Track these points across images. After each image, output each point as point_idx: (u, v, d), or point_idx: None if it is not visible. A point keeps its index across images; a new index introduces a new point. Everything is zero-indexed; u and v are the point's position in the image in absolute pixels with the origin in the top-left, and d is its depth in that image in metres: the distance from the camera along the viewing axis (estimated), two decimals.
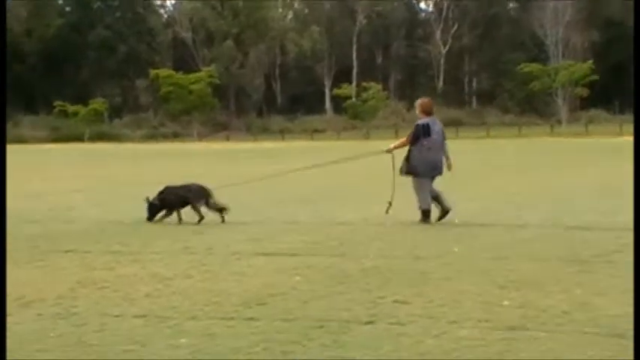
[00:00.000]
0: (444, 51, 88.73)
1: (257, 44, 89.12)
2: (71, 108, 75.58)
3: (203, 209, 13.72)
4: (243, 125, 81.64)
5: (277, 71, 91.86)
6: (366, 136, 65.59)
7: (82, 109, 75.40)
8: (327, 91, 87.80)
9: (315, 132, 72.61)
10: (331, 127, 75.69)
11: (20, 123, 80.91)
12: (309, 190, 19.81)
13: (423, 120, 13.18)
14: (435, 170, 13.21)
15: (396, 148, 13.63)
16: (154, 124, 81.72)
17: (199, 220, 13.54)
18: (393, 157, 13.85)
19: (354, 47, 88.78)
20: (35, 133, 76.41)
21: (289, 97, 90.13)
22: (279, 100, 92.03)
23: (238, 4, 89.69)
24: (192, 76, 74.45)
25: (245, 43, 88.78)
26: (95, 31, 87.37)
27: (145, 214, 13.93)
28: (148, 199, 13.86)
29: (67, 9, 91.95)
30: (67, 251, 10.96)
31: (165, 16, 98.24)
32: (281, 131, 74.97)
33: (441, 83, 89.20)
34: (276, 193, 18.54)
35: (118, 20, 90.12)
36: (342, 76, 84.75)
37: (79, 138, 72.78)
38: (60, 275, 9.28)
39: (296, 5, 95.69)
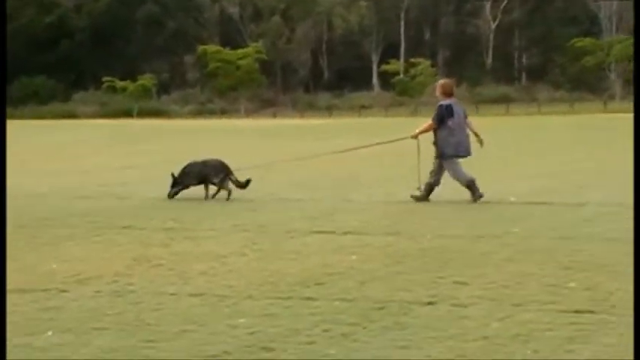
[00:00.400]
0: (493, 26, 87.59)
1: (304, 19, 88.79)
2: (120, 83, 76.04)
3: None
4: (289, 101, 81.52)
5: (324, 47, 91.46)
6: (414, 113, 65.09)
7: (130, 85, 75.83)
8: (374, 67, 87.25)
9: (362, 108, 72.25)
10: (378, 104, 75.25)
11: (70, 98, 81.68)
12: (360, 169, 19.63)
13: (445, 101, 13.02)
14: (461, 150, 12.98)
15: (421, 133, 13.35)
16: (202, 100, 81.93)
17: (215, 194, 13.64)
18: (418, 142, 13.61)
19: (402, 23, 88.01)
20: (85, 109, 77.07)
21: (336, 73, 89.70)
22: (325, 76, 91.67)
23: None
24: (240, 51, 74.39)
25: (292, 19, 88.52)
26: (144, 7, 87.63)
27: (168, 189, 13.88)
28: (173, 174, 13.83)
29: None
30: (122, 227, 10.94)
31: None
32: (328, 108, 74.72)
33: (490, 59, 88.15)
34: (328, 171, 18.36)
35: None
36: (389, 52, 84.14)
37: (127, 113, 73.24)
38: (116, 252, 9.25)
39: None
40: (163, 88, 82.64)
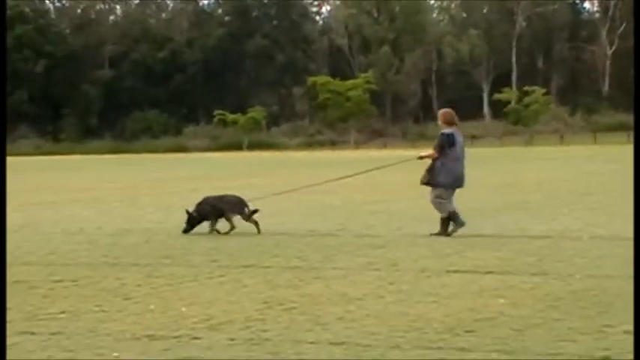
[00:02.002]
0: (609, 52, 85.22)
1: (413, 49, 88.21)
2: (230, 117, 76.76)
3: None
4: (399, 132, 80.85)
5: (433, 76, 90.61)
6: (529, 142, 63.56)
7: (240, 118, 76.47)
8: (485, 96, 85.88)
9: (473, 138, 71.02)
10: (490, 133, 73.88)
11: (181, 132, 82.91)
12: (486, 200, 18.84)
13: (447, 130, 12.91)
14: (457, 182, 12.94)
15: (427, 157, 13.15)
16: (311, 131, 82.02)
17: (229, 230, 13.49)
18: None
19: (514, 51, 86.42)
20: (196, 142, 78.06)
21: (446, 102, 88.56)
22: (435, 105, 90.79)
23: (395, 9, 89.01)
24: (350, 82, 74.18)
25: (401, 49, 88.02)
26: (253, 40, 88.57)
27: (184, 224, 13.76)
28: (187, 211, 13.74)
29: (227, 18, 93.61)
30: (246, 266, 10.46)
31: (321, 23, 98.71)
32: None
33: (606, 86, 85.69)
34: (457, 203, 17.63)
35: (275, 28, 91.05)
36: (500, 80, 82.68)
37: (238, 146, 73.81)
38: (244, 294, 8.74)
39: (453, 8, 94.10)
40: (273, 121, 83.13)
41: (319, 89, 74.84)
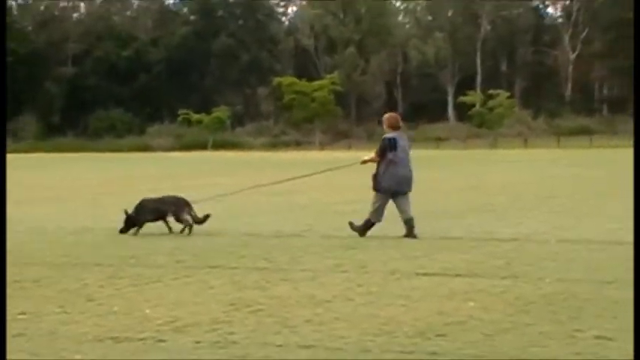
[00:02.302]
0: (572, 57, 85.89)
1: (379, 51, 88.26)
2: (195, 116, 76.28)
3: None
4: (364, 133, 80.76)
5: (398, 78, 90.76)
6: (493, 145, 63.81)
7: (205, 118, 76.02)
8: (449, 98, 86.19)
9: (438, 140, 71.25)
10: (455, 136, 74.07)
11: (146, 131, 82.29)
12: (452, 203, 18.82)
13: (390, 134, 12.93)
14: (401, 185, 12.87)
15: (369, 160, 13.25)
16: (276, 132, 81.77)
17: (188, 229, 13.49)
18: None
19: (478, 54, 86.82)
20: (160, 141, 77.49)
21: (411, 105, 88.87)
22: (400, 108, 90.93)
23: (361, 11, 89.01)
24: (316, 83, 74.01)
25: (367, 50, 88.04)
26: (218, 40, 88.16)
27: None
28: (126, 211, 13.54)
29: (192, 17, 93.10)
30: (212, 267, 10.30)
31: (287, 23, 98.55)
32: None
33: (569, 91, 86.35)
34: (423, 205, 17.55)
35: (241, 28, 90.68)
36: (465, 83, 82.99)
37: (202, 146, 73.37)
38: (210, 295, 8.59)
39: (418, 11, 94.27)
40: (238, 120, 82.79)
41: (285, 90, 74.59)
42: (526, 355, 6.16)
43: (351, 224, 13.06)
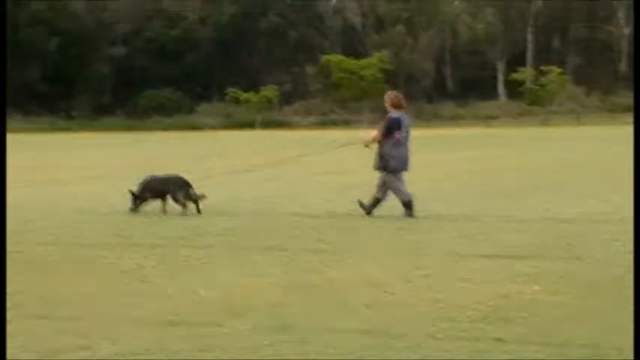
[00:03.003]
0: (626, 32, 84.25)
1: (427, 29, 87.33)
2: (243, 95, 76.24)
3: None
4: (412, 111, 79.90)
5: (447, 56, 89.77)
6: (545, 122, 62.80)
7: (253, 96, 75.96)
8: (500, 75, 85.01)
9: (488, 118, 70.42)
10: (505, 113, 73.13)
11: (194, 110, 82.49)
12: (509, 182, 18.43)
13: (394, 113, 12.88)
14: (405, 165, 12.92)
15: (372, 140, 13.08)
16: (324, 110, 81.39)
17: (184, 210, 13.44)
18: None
19: (529, 30, 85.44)
20: (208, 120, 77.60)
21: (460, 82, 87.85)
22: (449, 85, 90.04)
23: None
24: (364, 61, 73.44)
25: (415, 28, 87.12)
26: (266, 18, 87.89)
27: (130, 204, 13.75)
28: (131, 190, 13.75)
29: None
30: (265, 248, 10.10)
31: (335, 1, 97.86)
32: (452, 117, 73.05)
33: (623, 66, 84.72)
34: (478, 186, 17.23)
35: (289, 7, 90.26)
36: (515, 60, 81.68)
37: (250, 125, 73.35)
38: (265, 277, 8.38)
39: None
40: (285, 99, 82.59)
41: (333, 68, 74.10)
42: (602, 342, 5.86)
43: (360, 203, 12.96)
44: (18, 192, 16.78)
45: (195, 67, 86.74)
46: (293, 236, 11.04)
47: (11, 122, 74.96)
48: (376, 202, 12.87)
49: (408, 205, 12.65)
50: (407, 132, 12.91)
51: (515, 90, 75.16)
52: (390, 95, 13.31)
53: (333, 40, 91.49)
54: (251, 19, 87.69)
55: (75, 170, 25.04)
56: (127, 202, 13.80)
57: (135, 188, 13.81)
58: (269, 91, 76.64)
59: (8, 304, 6.98)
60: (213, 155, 32.92)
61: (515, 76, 73.28)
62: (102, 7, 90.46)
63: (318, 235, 11.06)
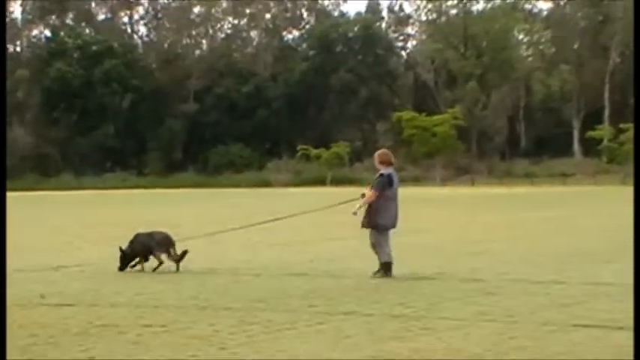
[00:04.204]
0: None
1: (501, 85, 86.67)
2: (314, 151, 76.36)
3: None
4: (485, 168, 79.23)
5: (521, 113, 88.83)
6: (624, 181, 61.22)
7: (324, 153, 75.99)
8: (575, 133, 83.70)
9: (563, 176, 69.13)
10: (580, 171, 71.75)
11: (264, 166, 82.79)
12: (593, 244, 17.67)
13: (384, 170, 12.96)
14: (394, 222, 12.94)
15: (367, 200, 12.83)
16: (394, 167, 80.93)
17: (156, 267, 13.47)
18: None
19: (606, 87, 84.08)
20: (279, 177, 77.80)
21: (534, 139, 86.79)
22: (522, 142, 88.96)
23: (482, 45, 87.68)
24: (436, 117, 73.00)
25: (488, 84, 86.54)
26: (337, 75, 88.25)
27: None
28: (121, 248, 13.69)
29: (311, 53, 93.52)
30: (346, 313, 9.64)
31: (406, 58, 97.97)
32: (526, 175, 71.94)
33: None
34: (560, 246, 16.54)
35: (360, 63, 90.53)
36: (591, 117, 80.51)
37: (321, 181, 73.28)
38: (348, 346, 7.92)
39: (542, 43, 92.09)
40: (356, 156, 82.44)
41: (404, 124, 73.78)
42: None
43: (375, 273, 12.72)
44: (94, 250, 16.63)
45: (266, 123, 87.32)
46: (374, 300, 10.54)
47: (84, 180, 76.32)
48: (386, 265, 12.67)
49: (386, 267, 12.57)
50: (396, 189, 12.99)
51: (591, 148, 73.85)
52: (379, 153, 13.39)
53: (404, 97, 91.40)
54: (322, 76, 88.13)
55: (146, 227, 24.86)
56: (200, 260, 13.51)
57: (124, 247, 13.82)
58: (340, 147, 76.62)
59: None
60: (285, 212, 32.58)
61: (592, 133, 72.07)
62: (174, 63, 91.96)
63: (399, 299, 10.56)
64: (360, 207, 12.96)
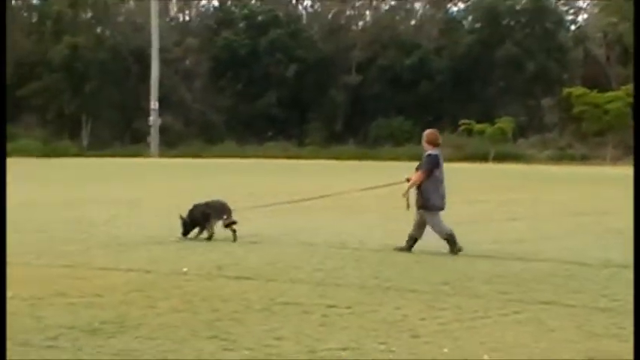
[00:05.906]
0: None
1: None
2: (477, 126, 74.62)
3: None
4: None
5: None
6: None
7: (487, 128, 74.15)
8: None
9: None
10: None
11: None
12: None
13: (432, 151, 12.92)
14: (444, 202, 12.92)
15: (415, 184, 12.84)
16: (561, 144, 78.25)
17: (209, 237, 13.70)
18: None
19: None
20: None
21: None
22: None
23: None
24: (609, 94, 69.86)
25: None
26: (503, 48, 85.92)
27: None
28: (181, 216, 13.93)
29: (477, 25, 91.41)
30: (544, 303, 8.86)
31: (577, 32, 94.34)
32: None
33: None
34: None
35: (527, 36, 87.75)
36: None
37: (483, 157, 71.62)
38: (555, 341, 7.18)
39: None
40: (520, 132, 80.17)
41: (574, 101, 70.93)
42: None
43: (399, 248, 12.82)
44: (262, 221, 16.38)
45: (429, 96, 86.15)
46: (573, 290, 9.69)
47: (247, 148, 77.53)
48: (413, 240, 12.78)
49: (452, 239, 12.56)
50: (443, 169, 13.04)
51: None
52: (427, 133, 13.35)
53: (573, 72, 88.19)
54: (487, 49, 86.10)
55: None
56: (381, 238, 12.98)
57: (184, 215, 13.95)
58: (504, 123, 74.58)
59: None
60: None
61: None
62: (338, 34, 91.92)
63: (602, 289, 9.66)
64: (410, 188, 12.91)
